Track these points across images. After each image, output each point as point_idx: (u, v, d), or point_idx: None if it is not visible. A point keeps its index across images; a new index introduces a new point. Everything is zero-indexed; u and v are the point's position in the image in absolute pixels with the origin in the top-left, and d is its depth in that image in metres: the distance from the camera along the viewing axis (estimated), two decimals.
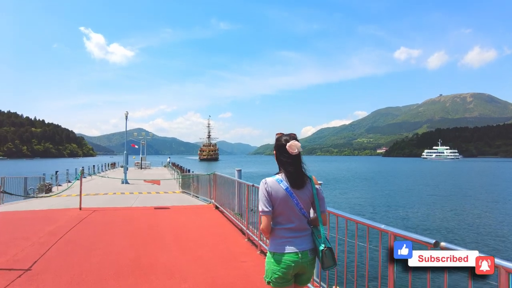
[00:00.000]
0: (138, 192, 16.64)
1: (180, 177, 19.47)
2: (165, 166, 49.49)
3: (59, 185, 20.73)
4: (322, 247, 2.19)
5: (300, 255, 2.17)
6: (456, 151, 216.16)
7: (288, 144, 2.22)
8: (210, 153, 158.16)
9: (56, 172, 21.30)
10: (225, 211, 8.73)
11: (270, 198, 2.20)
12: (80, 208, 9.51)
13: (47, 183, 17.54)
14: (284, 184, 2.21)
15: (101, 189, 18.17)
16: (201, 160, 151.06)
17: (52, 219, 8.03)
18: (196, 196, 13.94)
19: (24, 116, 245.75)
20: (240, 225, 6.96)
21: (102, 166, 38.80)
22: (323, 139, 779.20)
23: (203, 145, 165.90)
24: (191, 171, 22.95)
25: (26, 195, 15.51)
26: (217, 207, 9.77)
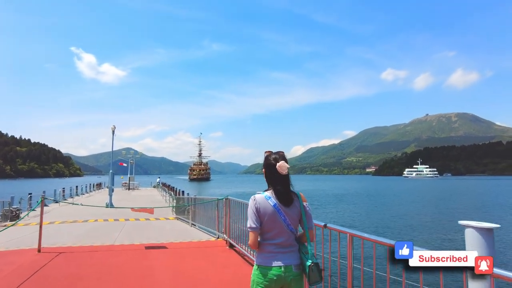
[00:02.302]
0: (124, 219, 13.99)
1: (175, 200, 16.77)
2: (154, 187, 46.77)
3: (33, 210, 17.82)
4: (309, 262, 2.22)
5: (283, 269, 2.21)
6: (435, 169, 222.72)
7: (278, 165, 2.27)
8: (201, 172, 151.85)
9: (30, 194, 18.34)
10: (246, 253, 6.18)
11: (259, 214, 2.25)
12: (39, 250, 6.71)
13: (14, 208, 14.65)
14: (272, 201, 2.26)
15: (82, 214, 15.37)
16: (191, 180, 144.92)
17: None
18: (194, 225, 11.32)
19: (9, 135, 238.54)
20: None
21: (86, 187, 35.64)
22: (313, 158, 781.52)
23: (194, 164, 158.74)
24: (185, 193, 20.20)
25: None
26: (231, 246, 7.15)
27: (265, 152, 2.42)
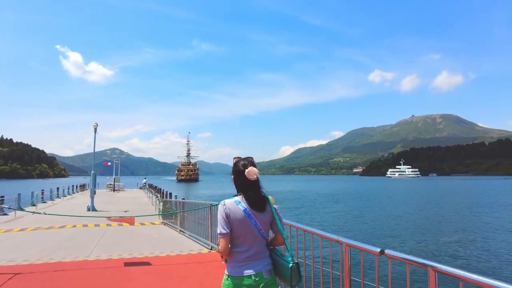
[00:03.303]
0: (106, 224, 12.70)
1: (162, 203, 15.50)
2: (141, 188, 45.39)
3: (5, 214, 16.32)
4: (291, 264, 2.18)
5: (253, 277, 2.14)
6: (417, 170, 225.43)
7: (246, 171, 2.22)
8: (189, 173, 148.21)
9: (2, 197, 16.78)
10: None
11: (229, 220, 2.19)
12: None
13: None
14: (243, 206, 2.21)
15: (60, 219, 13.95)
16: (179, 181, 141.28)
17: None
18: (182, 232, 10.19)
19: None
20: None
21: (69, 188, 33.87)
22: (301, 158, 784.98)
23: (182, 165, 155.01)
24: (173, 195, 18.91)
25: None
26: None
27: (234, 158, 2.39)
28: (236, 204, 2.22)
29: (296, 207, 33.35)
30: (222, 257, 2.27)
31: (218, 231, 2.20)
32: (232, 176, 2.35)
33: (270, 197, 2.34)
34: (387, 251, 2.33)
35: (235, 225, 2.18)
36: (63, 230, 11.41)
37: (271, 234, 2.37)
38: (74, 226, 12.34)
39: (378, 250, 2.36)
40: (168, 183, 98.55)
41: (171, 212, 12.01)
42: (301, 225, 3.51)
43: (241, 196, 2.27)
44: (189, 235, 9.47)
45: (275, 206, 2.32)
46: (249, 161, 2.29)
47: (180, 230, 10.42)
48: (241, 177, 2.25)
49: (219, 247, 2.23)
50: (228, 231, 2.17)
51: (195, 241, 8.62)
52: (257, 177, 2.25)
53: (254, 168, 2.23)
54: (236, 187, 2.33)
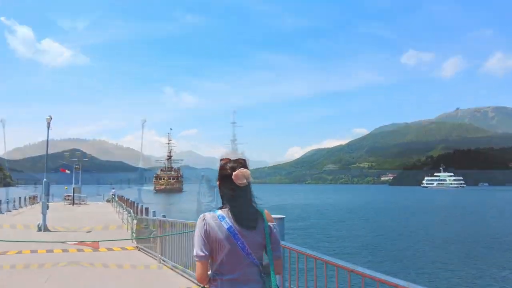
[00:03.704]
0: (61, 250, 12.49)
1: (135, 221, 15.20)
2: (108, 201, 45.81)
3: None
4: None
5: None
6: (461, 178, 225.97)
7: (234, 173, 2.18)
8: (171, 181, 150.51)
9: None
10: None
11: (208, 239, 2.17)
12: None
13: None
14: (227, 222, 2.17)
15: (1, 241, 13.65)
16: (158, 191, 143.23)
17: None
18: (164, 261, 9.90)
19: None
20: None
21: (15, 201, 33.86)
22: (314, 163, 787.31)
23: (161, 170, 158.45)
24: (150, 211, 18.60)
25: None
26: None
27: (221, 159, 2.34)
28: (219, 219, 2.17)
29: (311, 227, 33.21)
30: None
31: (194, 253, 2.17)
32: (218, 182, 2.31)
33: (265, 211, 2.29)
34: None
35: (217, 247, 2.15)
36: (3, 258, 11.07)
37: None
38: (20, 252, 12.05)
39: None
40: (144, 194, 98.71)
41: (148, 237, 11.72)
42: (351, 266, 3.07)
43: (227, 209, 2.21)
44: (172, 265, 9.14)
45: (270, 224, 2.26)
46: (239, 163, 2.23)
47: (161, 259, 10.14)
48: (228, 183, 2.20)
49: (196, 273, 2.21)
50: (206, 253, 2.14)
51: (181, 275, 8.27)
52: (248, 182, 2.20)
53: (244, 170, 2.18)
54: (222, 197, 2.30)
